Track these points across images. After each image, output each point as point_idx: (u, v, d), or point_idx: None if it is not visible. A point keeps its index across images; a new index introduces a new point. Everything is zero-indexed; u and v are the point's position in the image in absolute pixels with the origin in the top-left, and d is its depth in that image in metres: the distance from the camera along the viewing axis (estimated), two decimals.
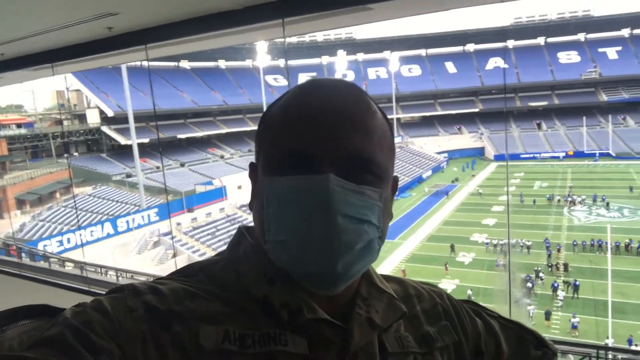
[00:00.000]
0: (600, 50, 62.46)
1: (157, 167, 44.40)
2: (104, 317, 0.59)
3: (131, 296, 0.63)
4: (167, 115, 50.48)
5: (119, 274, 10.05)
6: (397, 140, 57.55)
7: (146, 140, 44.79)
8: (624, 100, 58.37)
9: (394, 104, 58.91)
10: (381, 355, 0.69)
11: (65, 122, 47.62)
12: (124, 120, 40.09)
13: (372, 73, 67.07)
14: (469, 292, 19.65)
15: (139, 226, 27.40)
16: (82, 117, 47.58)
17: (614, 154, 51.03)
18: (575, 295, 19.71)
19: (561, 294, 19.85)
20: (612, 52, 61.85)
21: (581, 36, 64.11)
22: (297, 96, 0.68)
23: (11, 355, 0.54)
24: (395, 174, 0.74)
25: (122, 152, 44.77)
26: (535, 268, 22.07)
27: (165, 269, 22.86)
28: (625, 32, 62.70)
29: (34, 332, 0.58)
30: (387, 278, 0.82)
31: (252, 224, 0.73)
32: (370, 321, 0.69)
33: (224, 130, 55.40)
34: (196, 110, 54.70)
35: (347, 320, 0.68)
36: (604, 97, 59.57)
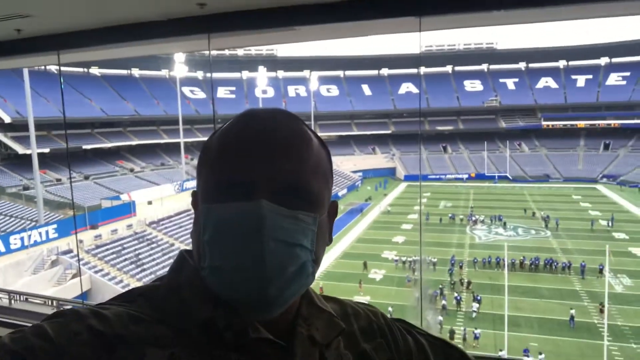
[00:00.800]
0: (501, 80, 68.22)
1: (58, 180, 41.34)
2: (46, 342, 0.58)
3: (74, 320, 0.62)
4: (73, 124, 47.31)
5: (11, 297, 9.13)
6: None
7: (47, 150, 41.62)
8: (520, 128, 64.07)
9: (312, 122, 59.84)
10: None
11: None
12: (23, 127, 37.01)
13: (292, 91, 67.85)
14: (390, 309, 20.19)
15: (36, 243, 25.19)
16: None
17: (511, 177, 55.62)
18: (478, 311, 21.00)
19: (474, 305, 21.07)
20: (510, 83, 67.78)
21: (484, 66, 69.64)
22: (234, 125, 0.70)
23: None
24: (333, 199, 0.76)
25: (19, 163, 41.15)
26: (440, 285, 23.26)
27: (63, 290, 21.20)
28: (522, 65, 69.10)
29: None
30: (326, 298, 0.85)
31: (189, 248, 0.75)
32: (311, 338, 0.72)
33: (135, 141, 52.98)
34: (105, 120, 51.90)
35: (288, 339, 0.70)
36: (502, 124, 64.91)
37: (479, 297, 21.61)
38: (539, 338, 18.73)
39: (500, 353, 17.26)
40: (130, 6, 2.69)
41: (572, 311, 19.80)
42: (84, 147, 46.76)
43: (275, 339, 0.68)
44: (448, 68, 70.41)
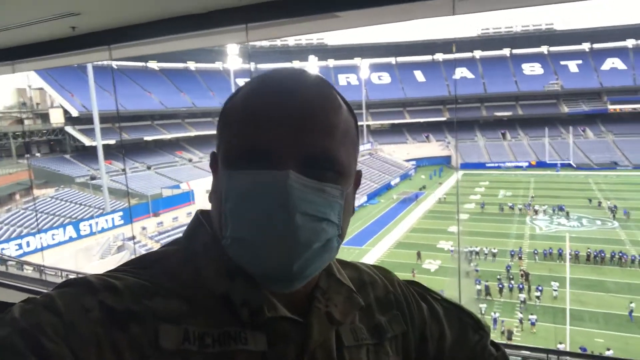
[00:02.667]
0: (562, 63, 64.76)
1: (122, 170, 43.45)
2: (56, 316, 0.55)
3: (86, 294, 0.59)
4: (134, 116, 49.56)
5: None
6: (366, 147, 57.70)
7: (112, 142, 43.82)
8: (584, 113, 60.62)
9: (364, 110, 59.45)
10: (338, 348, 0.69)
11: (26, 122, 46.06)
12: (89, 120, 39.11)
13: (342, 79, 67.58)
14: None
15: (103, 230, 26.73)
16: (45, 117, 46.13)
17: (574, 165, 52.86)
18: (538, 303, 20.29)
19: (521, 296, 20.42)
20: (573, 66, 64.22)
21: (544, 49, 66.32)
22: (259, 88, 0.66)
23: None
24: (359, 169, 0.72)
25: (87, 154, 43.61)
26: (497, 276, 22.59)
27: None
28: (585, 47, 65.22)
29: None
30: (343, 263, 0.81)
31: (206, 208, 0.73)
32: (329, 316, 0.69)
33: (193, 133, 54.72)
34: (164, 112, 53.88)
35: (306, 314, 0.68)
36: (565, 109, 61.71)
37: (540, 288, 20.84)
38: (605, 334, 17.79)
39: (559, 346, 16.59)
40: (172, 0, 2.75)
41: (632, 305, 18.76)
42: (145, 138, 48.90)
43: (292, 316, 0.66)
44: (505, 51, 67.61)
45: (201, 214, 0.74)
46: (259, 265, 0.61)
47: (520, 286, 21.51)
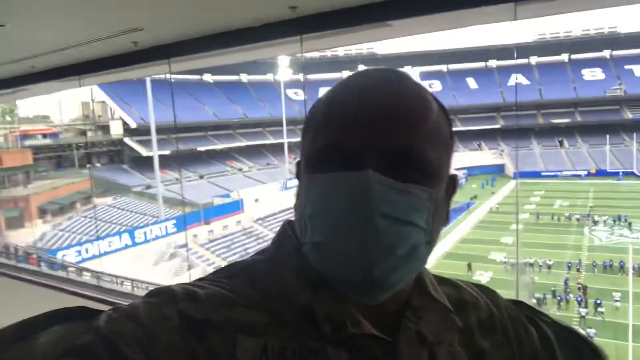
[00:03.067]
0: (626, 67, 61.59)
1: (177, 179, 44.95)
2: (137, 326, 0.55)
3: (167, 303, 0.59)
4: (188, 127, 51.24)
5: (134, 285, 10.15)
6: None
7: (167, 152, 45.44)
8: None
9: None
10: None
11: (89, 133, 48.64)
12: (146, 131, 40.81)
13: None
14: None
15: (157, 237, 27.71)
16: (105, 128, 48.55)
17: (638, 173, 49.98)
18: (598, 317, 19.29)
19: (582, 311, 19.48)
20: (638, 70, 60.95)
21: (606, 53, 63.35)
22: (341, 88, 0.63)
23: None
24: (454, 172, 0.67)
25: (143, 164, 45.44)
26: (552, 288, 21.65)
27: (180, 281, 23.00)
28: None
29: (68, 337, 0.54)
30: (440, 280, 0.76)
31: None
32: (420, 335, 0.63)
33: (244, 143, 55.93)
34: (217, 123, 55.40)
35: (394, 333, 0.63)
36: (628, 115, 58.58)
37: (599, 302, 19.77)
38: None
39: None
40: (228, 13, 2.85)
41: None
42: (199, 148, 50.45)
43: (378, 334, 0.61)
44: (564, 57, 65.07)
45: (288, 223, 0.71)
46: (338, 271, 0.57)
47: (579, 299, 20.53)
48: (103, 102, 48.20)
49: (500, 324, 0.73)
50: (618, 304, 19.71)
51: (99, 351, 0.52)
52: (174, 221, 29.54)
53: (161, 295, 0.60)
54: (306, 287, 0.62)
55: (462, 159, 57.79)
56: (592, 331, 17.85)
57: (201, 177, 46.31)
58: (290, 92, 62.18)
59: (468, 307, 0.72)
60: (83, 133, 48.05)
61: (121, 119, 46.87)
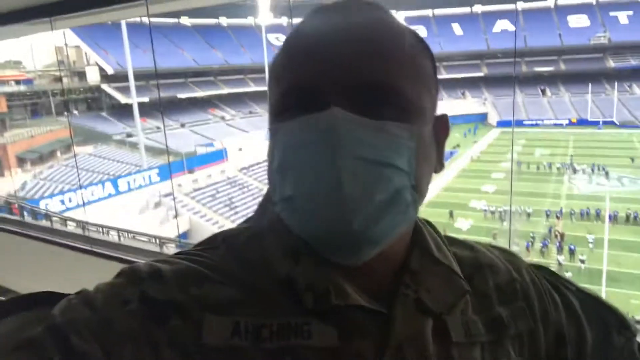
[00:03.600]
0: (611, 14, 61.00)
1: (158, 127, 44.15)
2: (93, 312, 0.51)
3: (129, 284, 0.54)
4: (167, 74, 49.83)
5: (120, 234, 10.11)
6: None
7: (146, 99, 44.35)
8: (632, 67, 57.45)
9: None
10: (443, 344, 0.56)
11: (64, 80, 47.04)
12: (124, 78, 39.60)
13: None
14: None
15: (140, 187, 27.48)
16: (81, 75, 46.94)
17: (617, 123, 50.65)
18: (572, 262, 20.09)
19: (560, 258, 20.25)
20: (623, 17, 60.43)
21: None
22: (302, 24, 0.56)
23: None
24: (443, 112, 0.60)
25: (123, 111, 44.41)
26: (531, 235, 22.31)
27: (166, 229, 23.09)
28: None
29: (23, 328, 0.50)
30: (454, 241, 0.67)
31: None
32: (419, 303, 0.56)
33: (225, 90, 54.82)
34: (197, 70, 53.96)
35: (391, 302, 0.56)
36: (611, 64, 58.63)
37: (572, 247, 20.63)
38: None
39: None
40: None
41: None
42: (179, 96, 49.32)
43: (367, 304, 0.53)
44: (550, 2, 64.05)
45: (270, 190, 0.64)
46: (312, 227, 0.50)
47: (558, 245, 21.29)
48: (77, 47, 46.32)
49: (522, 290, 0.65)
50: (593, 249, 20.46)
51: (46, 344, 0.48)
52: (157, 170, 29.24)
53: (123, 275, 0.55)
54: (288, 256, 0.56)
55: (446, 107, 57.67)
56: (568, 274, 18.64)
57: (182, 125, 45.53)
58: (272, 37, 60.47)
59: (485, 270, 0.65)
60: (58, 79, 46.39)
61: (97, 64, 45.26)
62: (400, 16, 59.82)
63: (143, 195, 26.56)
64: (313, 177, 0.48)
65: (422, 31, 65.22)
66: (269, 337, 0.51)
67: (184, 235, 24.01)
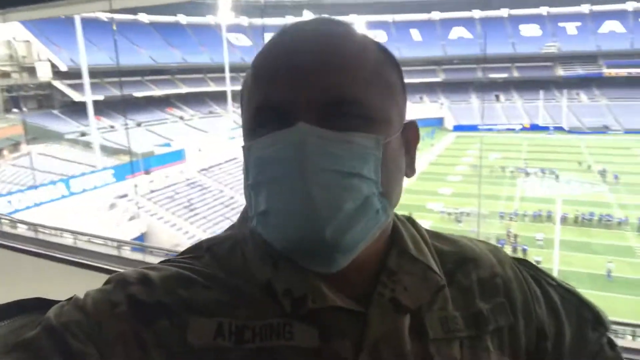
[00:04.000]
0: (560, 24, 63.83)
1: (112, 126, 42.81)
2: (84, 316, 0.53)
3: (117, 289, 0.56)
4: (124, 71, 48.43)
5: (75, 237, 9.73)
6: None
7: (101, 97, 42.95)
8: (579, 76, 60.29)
9: None
10: (420, 341, 0.57)
11: (13, 75, 44.88)
12: (78, 75, 38.18)
13: None
14: None
15: (95, 187, 26.53)
16: (31, 71, 44.91)
17: (566, 128, 52.99)
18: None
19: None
20: (571, 28, 63.35)
21: (544, 10, 65.17)
22: (268, 45, 0.58)
23: None
24: (411, 119, 0.62)
25: (76, 109, 42.78)
26: (487, 237, 22.98)
27: (122, 232, 22.39)
28: (585, 8, 64.17)
29: (17, 331, 0.52)
30: (438, 236, 0.69)
31: None
32: (395, 302, 0.57)
33: (184, 89, 53.82)
34: (154, 68, 52.73)
35: (369, 302, 0.57)
36: (560, 72, 61.28)
37: (525, 248, 21.53)
38: (589, 294, 18.22)
39: None
40: None
41: (611, 265, 19.55)
42: (135, 94, 48.01)
43: (344, 305, 0.55)
44: (504, 12, 66.37)
45: None
46: (287, 239, 0.53)
47: (514, 246, 22.05)
48: (27, 41, 44.31)
49: (504, 285, 0.66)
50: (540, 242, 21.34)
51: (44, 345, 0.50)
52: (112, 171, 28.31)
53: (112, 281, 0.58)
54: (267, 262, 0.58)
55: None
56: None
57: (139, 124, 44.34)
58: (232, 37, 59.83)
59: (468, 264, 0.66)
60: (6, 75, 44.23)
61: (49, 60, 43.45)
62: (361, 20, 60.48)
63: (97, 197, 25.65)
64: (284, 191, 0.50)
65: (382, 36, 66.24)
66: (252, 338, 0.54)
67: (141, 237, 23.37)
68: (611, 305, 17.44)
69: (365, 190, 0.52)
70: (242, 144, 0.58)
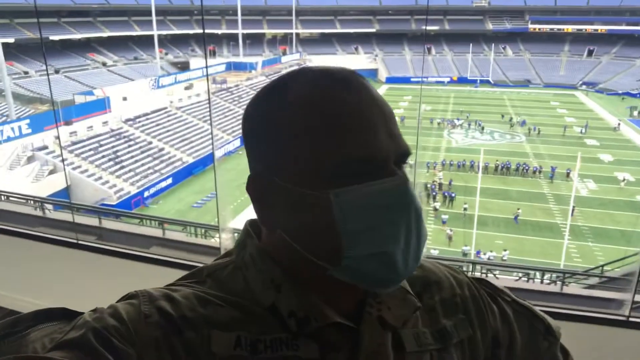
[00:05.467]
0: None
1: (25, 72, 39.56)
2: (120, 323, 0.59)
3: (146, 302, 0.63)
4: (38, 12, 44.35)
5: None
6: (294, 57, 56.32)
7: (11, 40, 39.31)
8: (507, 31, 62.47)
9: (293, 17, 57.20)
10: (398, 354, 0.66)
11: None
12: None
13: None
14: None
15: (9, 139, 24.65)
16: None
17: (492, 82, 55.26)
18: (450, 207, 22.21)
19: (437, 205, 22.30)
20: None
21: None
22: (328, 93, 0.61)
23: (36, 357, 0.55)
24: None
25: None
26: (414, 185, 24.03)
27: (42, 187, 21.22)
28: None
29: (55, 334, 0.59)
30: None
31: (254, 217, 0.70)
32: (381, 320, 0.66)
33: (106, 33, 50.30)
34: (73, 9, 48.64)
35: (358, 319, 0.66)
36: (490, 26, 63.09)
37: (452, 194, 23.05)
38: (504, 236, 19.90)
39: (463, 248, 18.45)
40: None
41: (519, 210, 21.31)
42: (52, 37, 44.26)
43: (342, 321, 0.64)
44: None
45: (250, 225, 0.72)
46: (390, 273, 0.60)
47: (434, 194, 23.27)
48: None
49: (462, 302, 0.75)
50: (465, 196, 22.68)
51: (93, 342, 0.55)
52: (27, 120, 26.33)
53: (139, 296, 0.64)
54: (269, 287, 0.65)
55: (340, 62, 58.49)
56: (445, 217, 20.88)
57: (57, 71, 41.21)
58: None
59: (432, 287, 0.75)
60: None
61: None
62: None
63: (12, 149, 23.92)
64: (402, 235, 0.58)
65: None
66: (264, 350, 0.62)
67: (64, 193, 22.25)
68: (519, 245, 19.07)
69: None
70: (308, 186, 0.60)
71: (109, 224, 5.05)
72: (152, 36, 45.37)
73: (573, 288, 5.24)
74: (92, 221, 5.13)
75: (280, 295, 0.64)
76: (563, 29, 60.87)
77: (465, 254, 18.16)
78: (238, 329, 0.63)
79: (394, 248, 0.58)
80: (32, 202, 8.09)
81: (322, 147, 0.59)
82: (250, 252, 0.69)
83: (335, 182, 0.58)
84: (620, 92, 48.43)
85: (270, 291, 0.65)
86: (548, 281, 7.68)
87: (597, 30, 59.11)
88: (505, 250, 18.08)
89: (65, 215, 4.72)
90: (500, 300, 0.79)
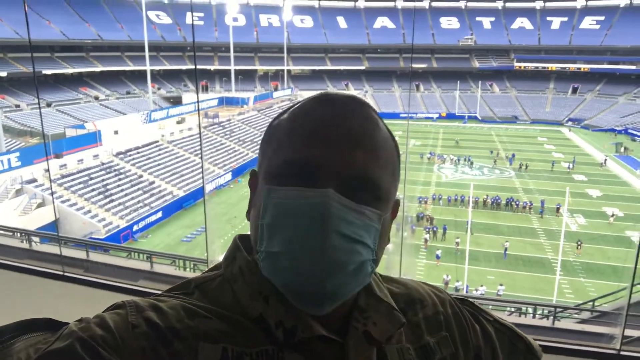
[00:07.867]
0: (477, 19, 67.22)
1: (17, 106, 39.62)
2: (107, 332, 0.59)
3: (133, 312, 0.63)
4: (32, 47, 44.77)
5: None
6: (286, 92, 57.09)
7: (4, 74, 39.55)
8: (493, 68, 64.10)
9: (285, 54, 58.28)
10: None
11: None
12: None
13: (264, 20, 65.37)
14: None
15: None
16: None
17: (480, 118, 56.26)
18: (443, 239, 22.34)
19: (427, 237, 22.36)
20: (486, 22, 66.92)
21: (462, 3, 68.26)
22: (307, 108, 0.67)
23: None
24: (398, 197, 0.73)
25: None
26: (409, 219, 23.99)
27: (29, 220, 20.94)
28: (499, 4, 68.05)
29: (40, 345, 0.58)
30: (391, 279, 0.81)
31: (247, 232, 0.73)
32: (367, 335, 0.68)
33: (99, 68, 50.80)
34: (66, 44, 49.25)
35: (344, 333, 0.68)
36: (476, 64, 64.70)
37: (445, 227, 23.07)
38: (495, 272, 19.79)
39: (456, 284, 18.28)
40: None
41: (507, 244, 21.33)
42: (44, 71, 44.60)
43: (328, 334, 0.65)
44: (425, 3, 68.74)
45: (239, 238, 0.75)
46: (291, 281, 0.61)
47: (427, 228, 23.23)
48: None
49: (445, 321, 0.78)
50: (459, 231, 22.67)
51: (79, 353, 0.55)
52: (17, 153, 26.20)
53: (126, 306, 0.64)
54: (257, 299, 0.67)
55: None
56: (439, 252, 20.74)
57: (49, 104, 41.34)
58: (152, 14, 57.20)
59: (416, 305, 0.77)
60: None
61: None
62: (287, 5, 59.92)
63: (0, 182, 23.70)
64: (302, 243, 0.59)
65: (308, 21, 66.22)
66: None
67: (53, 226, 21.94)
68: (510, 281, 18.97)
69: (365, 256, 0.62)
70: (258, 183, 0.68)
71: (97, 256, 5.00)
72: (144, 71, 45.87)
73: (565, 323, 5.22)
74: (80, 254, 5.06)
75: (268, 307, 0.66)
76: (547, 67, 62.61)
77: (457, 290, 18.01)
78: (224, 341, 0.63)
79: (289, 253, 0.60)
80: (18, 234, 7.98)
81: (278, 148, 0.65)
82: (240, 264, 0.71)
83: (278, 181, 0.63)
84: (605, 128, 49.46)
85: (258, 303, 0.66)
86: (540, 316, 7.63)
87: (580, 68, 60.85)
88: (501, 285, 17.92)
89: (52, 248, 4.65)
90: (483, 320, 0.81)
